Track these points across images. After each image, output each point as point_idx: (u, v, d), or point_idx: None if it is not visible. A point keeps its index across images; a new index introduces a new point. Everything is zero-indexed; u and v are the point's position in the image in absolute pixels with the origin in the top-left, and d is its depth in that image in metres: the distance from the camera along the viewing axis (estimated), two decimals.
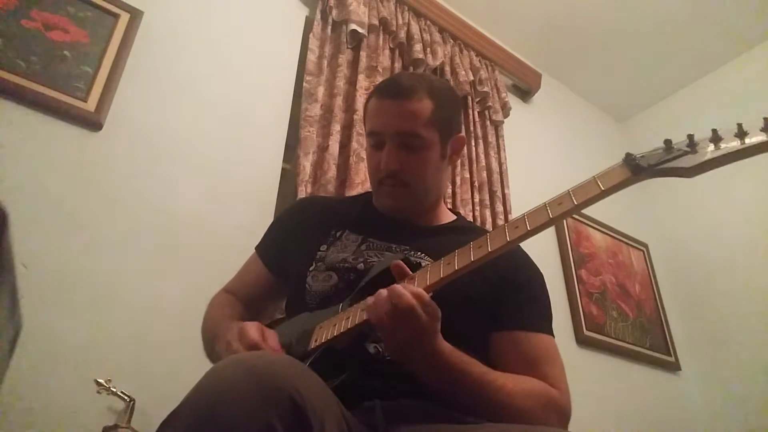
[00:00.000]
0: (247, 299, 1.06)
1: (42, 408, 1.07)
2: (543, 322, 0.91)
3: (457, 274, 0.71)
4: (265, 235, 1.12)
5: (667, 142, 0.63)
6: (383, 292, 0.70)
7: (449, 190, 1.89)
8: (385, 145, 0.96)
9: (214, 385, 0.53)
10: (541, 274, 0.99)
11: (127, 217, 1.34)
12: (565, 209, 0.66)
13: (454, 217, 1.09)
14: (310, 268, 0.94)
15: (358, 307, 0.76)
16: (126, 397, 1.11)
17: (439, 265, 0.74)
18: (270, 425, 0.49)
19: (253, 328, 0.77)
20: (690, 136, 0.61)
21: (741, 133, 0.58)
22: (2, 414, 1.02)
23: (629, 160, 0.64)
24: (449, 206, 1.81)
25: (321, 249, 0.97)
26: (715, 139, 0.59)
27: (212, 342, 0.93)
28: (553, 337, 0.91)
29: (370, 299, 0.72)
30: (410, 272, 0.75)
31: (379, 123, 0.98)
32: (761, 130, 0.57)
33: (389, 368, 0.80)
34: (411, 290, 0.69)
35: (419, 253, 0.92)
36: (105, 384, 1.10)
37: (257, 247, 1.11)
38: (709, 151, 0.59)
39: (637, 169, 0.63)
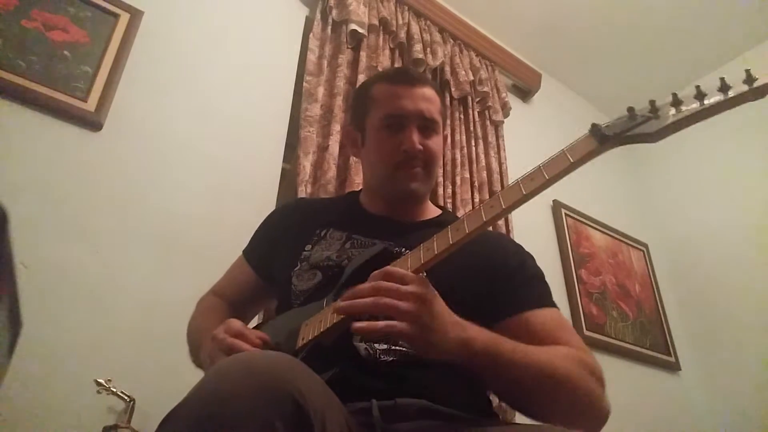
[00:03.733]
0: (234, 301, 1.06)
1: (42, 408, 1.07)
2: (545, 297, 0.92)
3: (438, 258, 0.71)
4: (252, 238, 1.12)
5: (630, 109, 0.64)
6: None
7: (449, 190, 1.89)
8: (403, 127, 0.98)
9: (216, 384, 0.53)
10: (530, 254, 1.00)
11: (126, 217, 1.34)
12: (538, 184, 0.67)
13: (440, 212, 1.09)
14: (295, 268, 0.94)
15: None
16: (126, 397, 1.11)
17: (419, 252, 0.73)
18: (271, 425, 0.49)
19: (236, 322, 0.79)
20: (652, 102, 0.63)
21: (700, 95, 0.60)
22: (2, 414, 1.02)
23: (595, 130, 0.65)
24: (449, 206, 1.83)
25: (306, 249, 0.97)
26: (676, 102, 0.61)
27: (197, 349, 0.94)
28: (558, 308, 0.92)
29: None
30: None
31: (401, 105, 0.99)
32: (718, 90, 0.59)
33: (384, 368, 0.80)
34: (378, 274, 0.68)
35: (403, 249, 0.91)
36: (105, 384, 1.10)
37: (244, 251, 1.11)
38: (671, 114, 0.61)
39: (603, 139, 0.64)
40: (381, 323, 0.65)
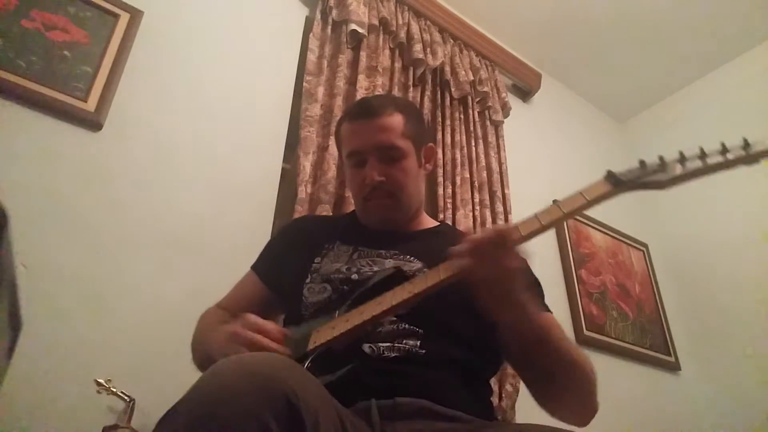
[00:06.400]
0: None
1: (42, 408, 1.07)
2: (541, 302, 0.96)
3: (454, 278, 0.75)
4: (262, 253, 1.14)
5: (642, 162, 0.75)
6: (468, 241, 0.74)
7: (449, 190, 1.89)
8: (366, 163, 1.02)
9: (212, 385, 0.54)
10: (524, 258, 1.02)
11: (126, 217, 1.34)
12: (554, 218, 0.76)
13: (437, 223, 1.16)
14: (306, 281, 0.97)
15: (356, 311, 0.79)
16: (126, 397, 1.11)
17: (437, 271, 0.77)
18: (265, 424, 0.51)
19: (252, 315, 0.81)
20: (660, 157, 0.74)
21: (702, 155, 0.71)
22: (2, 414, 1.02)
23: (610, 176, 0.75)
24: (449, 206, 1.84)
25: (315, 261, 1.00)
26: (682, 159, 0.72)
27: (203, 346, 0.95)
28: (551, 312, 0.96)
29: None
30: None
31: (357, 142, 1.04)
32: (719, 153, 0.70)
33: (385, 366, 0.81)
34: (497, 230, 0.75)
35: (408, 256, 0.96)
36: (105, 384, 1.10)
37: (254, 266, 1.12)
38: (678, 169, 0.72)
39: (617, 183, 0.74)
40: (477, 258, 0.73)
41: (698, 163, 0.71)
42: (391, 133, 1.02)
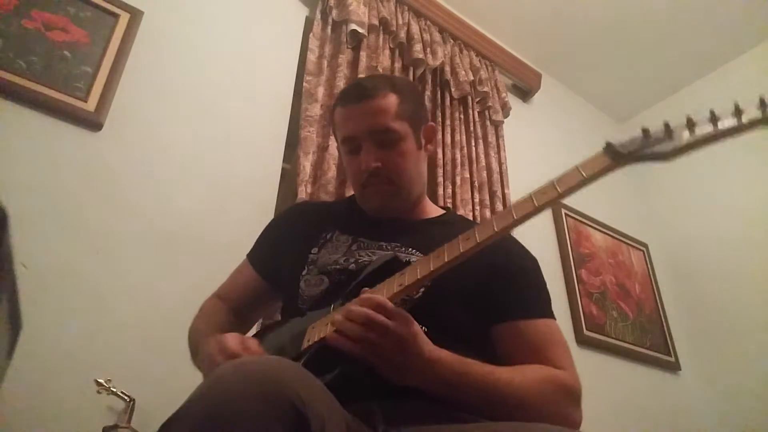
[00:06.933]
0: (236, 305, 1.06)
1: (42, 408, 1.07)
2: (542, 307, 0.92)
3: (447, 266, 0.72)
4: (257, 242, 1.12)
5: (645, 130, 0.65)
6: (338, 317, 0.71)
7: (449, 190, 1.89)
8: (361, 148, 0.97)
9: (215, 391, 0.53)
10: (534, 259, 0.99)
11: (126, 217, 1.34)
12: (550, 198, 0.69)
13: (443, 212, 1.09)
14: (303, 273, 0.94)
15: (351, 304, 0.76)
16: (126, 397, 1.11)
17: (428, 260, 0.74)
18: (271, 430, 0.50)
19: (233, 340, 0.77)
20: (666, 124, 0.64)
21: (714, 119, 0.62)
22: (2, 414, 1.02)
23: (609, 148, 0.67)
24: (449, 206, 1.83)
25: (312, 252, 0.97)
26: (690, 125, 0.63)
27: (195, 352, 0.95)
28: (554, 318, 0.91)
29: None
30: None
31: (350, 127, 0.99)
32: (732, 115, 0.61)
33: None
34: (370, 303, 0.70)
35: (410, 249, 0.91)
36: (105, 384, 1.10)
37: (249, 255, 1.11)
38: (685, 136, 0.63)
39: (616, 156, 0.66)
40: (358, 348, 0.69)
41: (709, 128, 0.61)
42: (384, 115, 0.96)
